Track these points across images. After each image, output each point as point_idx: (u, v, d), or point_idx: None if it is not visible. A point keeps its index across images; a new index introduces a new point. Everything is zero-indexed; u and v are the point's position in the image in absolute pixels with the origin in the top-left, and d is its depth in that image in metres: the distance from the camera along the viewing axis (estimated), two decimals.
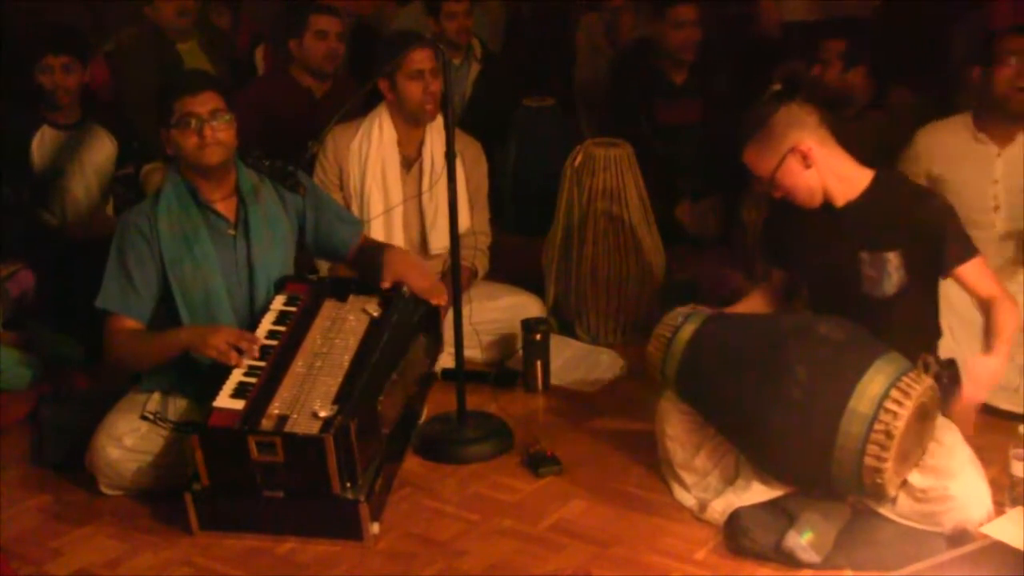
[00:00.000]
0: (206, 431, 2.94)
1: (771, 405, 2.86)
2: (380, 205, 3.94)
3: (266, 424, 2.92)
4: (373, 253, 3.41)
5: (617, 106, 5.26)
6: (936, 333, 3.16)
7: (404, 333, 3.23)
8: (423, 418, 3.53)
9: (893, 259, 3.00)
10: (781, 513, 2.91)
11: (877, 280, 3.02)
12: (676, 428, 3.15)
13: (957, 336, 3.36)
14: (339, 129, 3.93)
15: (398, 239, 3.95)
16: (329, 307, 3.27)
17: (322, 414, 2.92)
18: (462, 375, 3.48)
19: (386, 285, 3.28)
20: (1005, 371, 3.42)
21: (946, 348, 3.20)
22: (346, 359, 3.09)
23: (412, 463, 3.38)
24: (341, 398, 2.97)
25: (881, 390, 2.77)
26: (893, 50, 4.64)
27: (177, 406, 3.26)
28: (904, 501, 2.85)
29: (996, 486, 2.90)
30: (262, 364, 3.08)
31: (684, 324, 3.11)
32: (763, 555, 2.86)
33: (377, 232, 3.92)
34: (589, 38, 5.83)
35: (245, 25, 6.19)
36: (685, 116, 5.11)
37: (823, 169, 2.99)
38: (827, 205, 3.04)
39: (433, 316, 3.42)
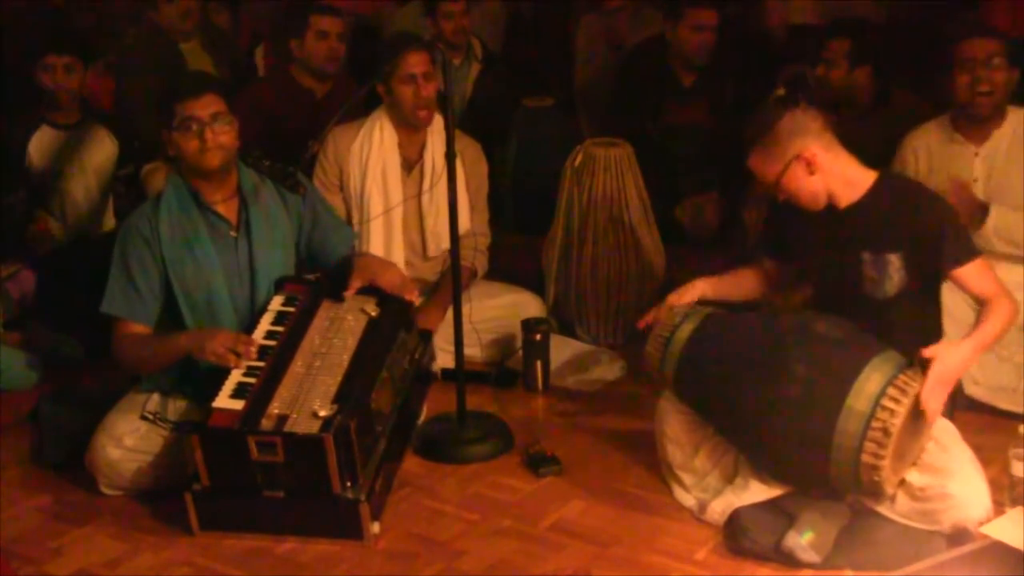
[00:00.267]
0: (206, 431, 2.94)
1: (769, 404, 2.87)
2: (380, 207, 3.94)
3: (266, 424, 2.93)
4: (349, 262, 3.41)
5: (623, 105, 5.25)
6: (938, 334, 3.15)
7: (389, 330, 3.23)
8: (423, 418, 3.53)
9: (894, 261, 2.99)
10: (781, 513, 2.91)
11: (878, 281, 3.02)
12: (675, 428, 3.15)
13: (953, 339, 3.36)
14: (340, 130, 3.93)
15: (397, 241, 3.96)
16: (327, 307, 3.27)
17: (322, 414, 2.92)
18: (462, 375, 3.48)
19: (352, 290, 3.27)
20: (1000, 370, 3.45)
21: None
22: (345, 359, 3.09)
23: (412, 463, 3.38)
24: (340, 398, 2.97)
25: (878, 388, 2.77)
26: (896, 51, 4.64)
27: (177, 406, 3.26)
28: (903, 500, 2.85)
29: (996, 486, 2.90)
30: (261, 364, 3.08)
31: (682, 324, 3.11)
32: (763, 555, 2.87)
33: (377, 234, 3.92)
34: (589, 38, 5.83)
35: (245, 25, 6.19)
36: (692, 117, 5.11)
37: (827, 174, 2.99)
38: (830, 206, 3.04)
39: (407, 313, 3.40)
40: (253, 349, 3.09)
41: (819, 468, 2.84)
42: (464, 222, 3.86)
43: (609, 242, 4.16)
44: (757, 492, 2.99)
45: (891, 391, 2.76)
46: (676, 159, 5.04)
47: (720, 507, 3.01)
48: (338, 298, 3.28)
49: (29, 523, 3.17)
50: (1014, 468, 2.89)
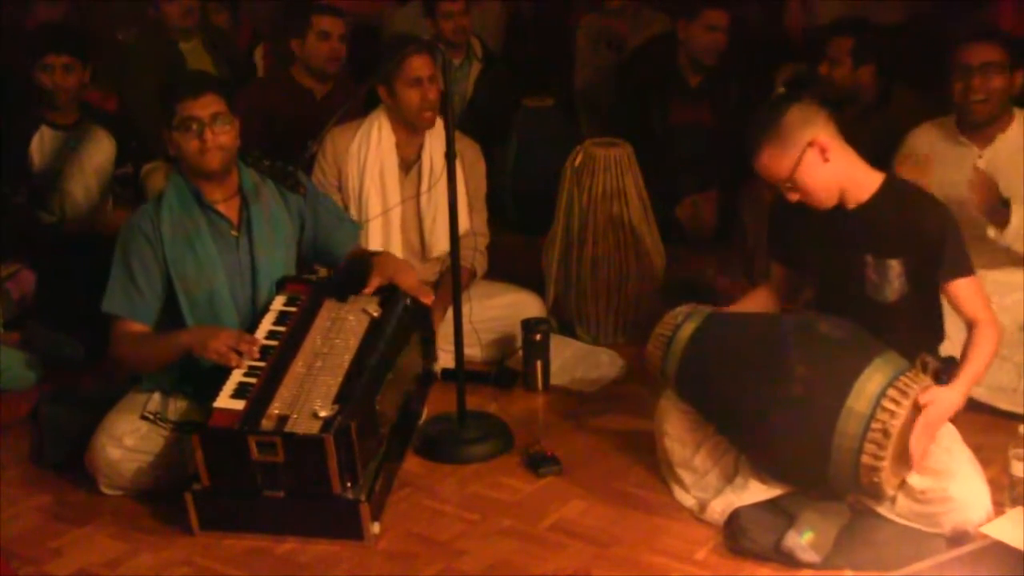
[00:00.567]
0: (206, 431, 2.94)
1: (770, 404, 2.87)
2: (378, 207, 3.93)
3: (266, 424, 2.93)
4: (363, 258, 3.41)
5: (626, 104, 5.25)
6: (939, 336, 3.15)
7: (399, 332, 3.24)
8: (423, 418, 3.53)
9: (896, 266, 2.99)
10: (781, 513, 2.91)
11: (880, 286, 3.01)
12: (676, 427, 3.15)
13: (955, 341, 3.36)
14: (338, 131, 3.93)
15: (396, 241, 3.95)
16: (329, 307, 3.27)
17: (322, 414, 2.92)
18: (462, 375, 3.48)
19: (371, 288, 3.27)
20: (1000, 370, 3.45)
21: (944, 350, 3.19)
22: (346, 359, 3.09)
23: (412, 463, 3.38)
24: (341, 398, 2.97)
25: (879, 389, 2.77)
26: (907, 50, 4.63)
27: (177, 406, 3.26)
28: (903, 502, 2.85)
29: (996, 486, 2.90)
30: (262, 364, 3.08)
31: (684, 323, 3.11)
32: (763, 555, 2.87)
33: (375, 235, 3.92)
34: (589, 38, 5.83)
35: (245, 25, 6.19)
36: (695, 117, 5.11)
37: (839, 165, 2.96)
38: (836, 206, 3.03)
39: (424, 315, 3.42)
40: (256, 348, 3.09)
41: (819, 468, 2.84)
42: (463, 222, 3.86)
43: (609, 242, 4.16)
44: (757, 492, 2.99)
45: (892, 393, 2.76)
46: (676, 159, 5.04)
47: (720, 506, 3.01)
48: (341, 297, 3.28)
49: (29, 523, 3.17)
50: (1014, 468, 2.89)
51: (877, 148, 3.43)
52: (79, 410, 3.45)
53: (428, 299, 3.38)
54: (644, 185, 4.23)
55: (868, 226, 3.00)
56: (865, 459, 2.76)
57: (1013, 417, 3.35)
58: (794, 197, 3.00)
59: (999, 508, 2.84)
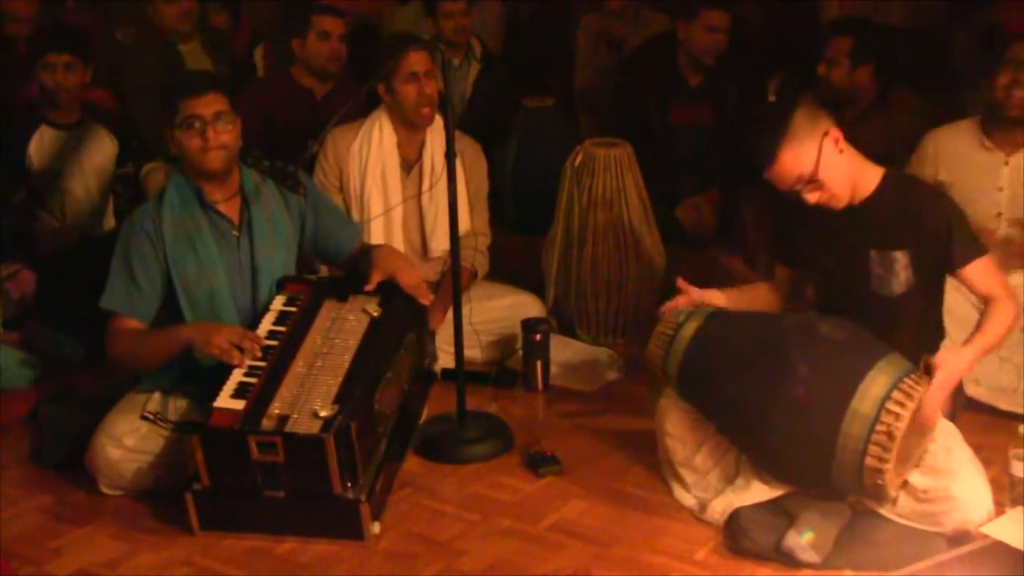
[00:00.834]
0: (206, 431, 2.94)
1: (772, 404, 2.87)
2: (379, 207, 3.94)
3: (267, 424, 2.93)
4: (365, 254, 3.42)
5: (626, 104, 5.25)
6: (940, 334, 3.16)
7: (397, 331, 3.23)
8: (423, 418, 3.53)
9: (901, 258, 3.00)
10: (781, 513, 2.91)
11: (885, 279, 3.02)
12: (677, 426, 3.15)
13: (955, 340, 3.36)
14: (339, 131, 3.93)
15: (397, 241, 3.95)
16: (329, 307, 3.27)
17: (323, 414, 2.92)
18: (462, 375, 3.48)
19: (372, 284, 3.27)
20: (1000, 371, 3.45)
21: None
22: (346, 359, 3.09)
23: (412, 463, 3.38)
24: (342, 398, 2.97)
25: (883, 391, 2.77)
26: (897, 49, 4.62)
27: (177, 406, 3.26)
28: (904, 501, 2.85)
29: (996, 486, 2.90)
30: (262, 364, 3.08)
31: (686, 322, 3.11)
32: (763, 555, 2.87)
33: (377, 235, 3.91)
34: (589, 38, 5.83)
35: (244, 25, 6.19)
36: (696, 117, 5.11)
37: (850, 157, 2.98)
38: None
39: (421, 314, 3.42)
40: (258, 346, 3.09)
41: (821, 469, 2.84)
42: (464, 222, 3.86)
43: (609, 242, 4.16)
44: (758, 492, 2.99)
45: (896, 395, 2.76)
46: (676, 159, 5.04)
47: (720, 506, 3.01)
48: (341, 297, 3.28)
49: (29, 523, 3.17)
50: (1014, 468, 2.89)
51: (877, 149, 3.42)
52: (79, 410, 3.45)
53: (426, 300, 3.38)
54: (644, 185, 4.24)
55: (871, 220, 3.01)
56: (869, 461, 2.76)
57: (1013, 417, 3.35)
58: (814, 198, 2.97)
59: (999, 508, 2.84)
